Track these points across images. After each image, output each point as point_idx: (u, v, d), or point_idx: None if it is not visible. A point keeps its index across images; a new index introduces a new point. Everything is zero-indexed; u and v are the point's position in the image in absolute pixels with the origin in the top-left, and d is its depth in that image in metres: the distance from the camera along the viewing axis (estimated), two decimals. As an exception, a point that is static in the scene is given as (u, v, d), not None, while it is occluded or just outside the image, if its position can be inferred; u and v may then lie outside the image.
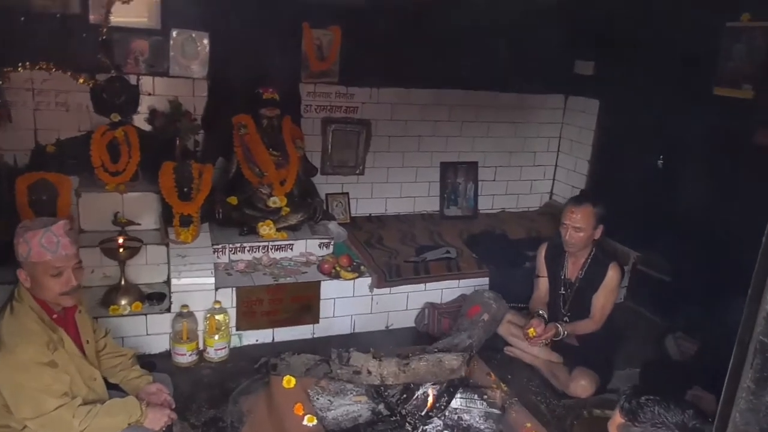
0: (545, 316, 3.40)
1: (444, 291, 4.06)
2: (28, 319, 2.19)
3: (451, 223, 4.90)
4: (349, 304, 3.85)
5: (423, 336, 3.90)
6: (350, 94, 4.61)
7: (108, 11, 3.81)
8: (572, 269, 3.50)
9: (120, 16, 3.89)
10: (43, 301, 2.24)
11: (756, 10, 3.58)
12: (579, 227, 3.32)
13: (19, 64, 3.71)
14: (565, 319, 3.45)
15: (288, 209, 4.07)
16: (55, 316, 2.28)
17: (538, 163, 5.33)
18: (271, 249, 3.96)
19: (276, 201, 4.05)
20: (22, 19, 3.67)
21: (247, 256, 3.91)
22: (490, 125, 5.07)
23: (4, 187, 3.62)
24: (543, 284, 3.60)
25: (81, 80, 3.87)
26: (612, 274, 3.37)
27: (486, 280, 4.11)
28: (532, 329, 3.31)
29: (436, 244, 4.44)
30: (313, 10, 4.33)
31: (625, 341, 3.74)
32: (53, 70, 3.80)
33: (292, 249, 4.01)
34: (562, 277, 3.52)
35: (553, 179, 5.41)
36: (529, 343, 3.39)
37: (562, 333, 3.33)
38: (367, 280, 3.87)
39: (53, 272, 2.19)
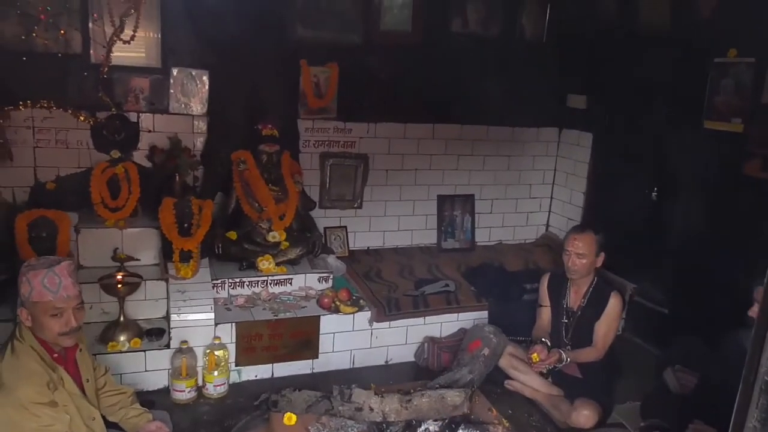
0: (548, 342, 3.43)
1: (443, 325, 4.06)
2: (29, 358, 2.19)
3: (448, 256, 4.91)
4: (349, 338, 3.85)
5: (423, 371, 3.88)
6: (348, 129, 4.67)
7: (109, 51, 3.88)
8: (574, 297, 3.53)
9: (121, 55, 3.95)
10: (43, 340, 2.24)
11: (742, 46, 3.68)
12: (581, 254, 3.38)
13: (20, 103, 3.77)
14: (568, 347, 3.47)
15: (287, 243, 4.09)
16: (55, 354, 2.28)
17: (533, 196, 5.38)
18: (271, 283, 3.96)
19: (275, 235, 4.07)
20: (24, 58, 3.73)
21: (246, 291, 3.91)
22: (485, 158, 5.13)
23: (3, 225, 3.62)
24: (545, 313, 3.63)
25: (81, 118, 3.92)
26: (614, 302, 3.42)
27: (485, 313, 4.12)
28: (535, 354, 3.33)
29: (435, 277, 4.46)
30: (310, 47, 4.42)
31: (625, 373, 3.74)
32: (54, 108, 3.86)
33: (291, 283, 4.01)
34: (565, 306, 3.56)
35: (549, 211, 5.45)
36: (532, 368, 3.40)
37: (564, 359, 3.34)
38: (366, 314, 3.87)
39: (53, 312, 2.20)
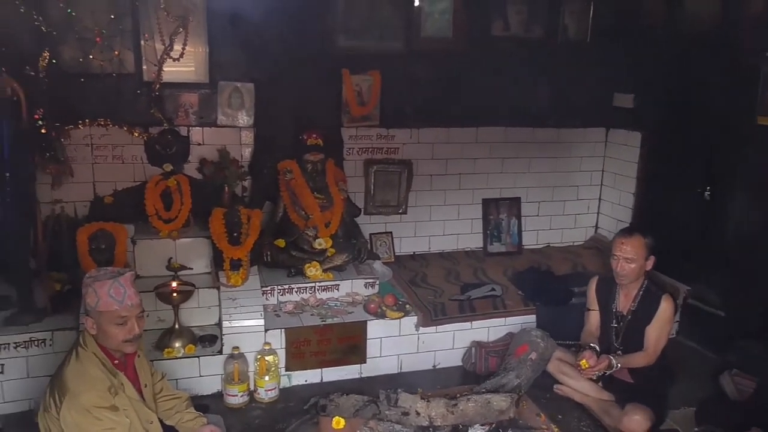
0: (597, 348, 3.37)
1: (490, 329, 4.05)
2: (92, 365, 2.31)
3: (495, 260, 4.89)
4: (396, 343, 3.88)
5: (470, 375, 3.88)
6: (391, 136, 4.72)
7: (160, 68, 4.05)
8: (624, 302, 3.46)
9: (171, 71, 4.11)
10: (105, 347, 2.36)
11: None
12: (630, 258, 3.31)
13: (79, 122, 3.96)
14: (618, 352, 3.40)
15: (333, 250, 4.16)
16: (116, 361, 2.39)
17: (581, 197, 5.30)
18: (318, 290, 4.03)
19: (321, 243, 4.15)
20: (82, 79, 3.92)
21: (295, 297, 3.99)
22: (531, 161, 5.09)
23: (65, 238, 3.82)
24: (594, 318, 3.57)
25: (136, 134, 4.10)
26: (665, 305, 3.33)
27: (533, 318, 4.08)
28: (584, 361, 3.28)
29: (481, 281, 4.44)
30: (352, 57, 4.49)
31: (679, 378, 3.64)
32: (110, 125, 4.04)
33: (338, 289, 4.08)
34: (614, 310, 3.49)
35: (598, 213, 5.36)
36: (582, 374, 3.35)
37: (614, 365, 3.28)
38: (412, 319, 3.89)
39: (119, 321, 2.31)
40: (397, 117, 4.68)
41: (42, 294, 3.54)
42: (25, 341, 3.31)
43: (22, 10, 3.64)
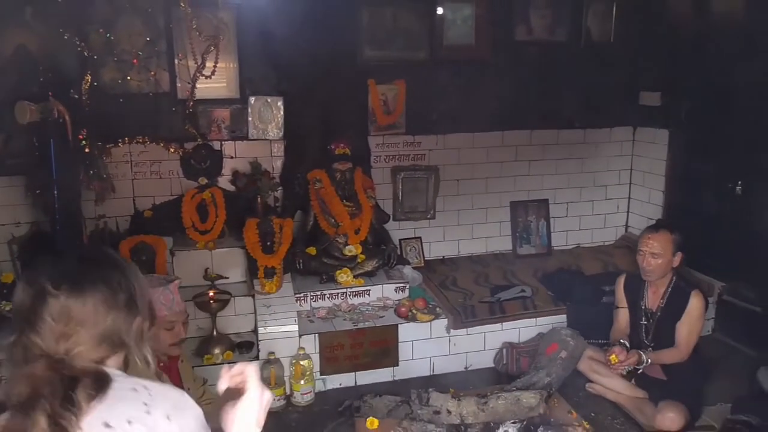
0: (627, 344, 3.37)
1: (521, 330, 4.07)
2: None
3: (524, 262, 4.92)
4: (427, 346, 3.93)
5: (503, 376, 3.91)
6: (417, 143, 4.80)
7: (193, 86, 4.21)
8: (653, 299, 3.46)
9: (203, 88, 4.27)
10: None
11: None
12: (656, 253, 3.31)
13: (119, 140, 4.15)
14: (649, 349, 3.40)
15: (363, 256, 4.25)
16: (161, 365, 2.52)
17: (610, 197, 5.29)
18: (350, 295, 4.13)
19: (351, 249, 4.25)
20: (121, 100, 4.11)
21: (327, 303, 4.09)
22: (557, 162, 5.10)
23: (109, 251, 4.00)
24: (623, 315, 3.57)
25: (172, 150, 4.27)
26: (695, 301, 3.31)
27: (563, 318, 4.09)
28: (614, 356, 3.28)
29: (511, 283, 4.47)
30: (377, 67, 4.59)
31: (715, 375, 3.61)
32: (148, 142, 4.22)
33: (369, 294, 4.17)
34: (643, 307, 3.49)
35: (627, 212, 5.33)
36: (612, 369, 3.35)
37: (644, 360, 3.28)
38: (443, 322, 3.95)
39: (167, 326, 2.43)
40: (423, 124, 4.75)
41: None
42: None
43: (66, 38, 3.84)
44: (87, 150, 3.78)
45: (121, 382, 1.22)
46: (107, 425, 1.15)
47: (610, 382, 3.51)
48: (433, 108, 4.76)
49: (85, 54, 3.92)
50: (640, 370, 3.39)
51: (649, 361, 3.28)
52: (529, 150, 5.03)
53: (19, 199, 3.96)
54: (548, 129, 5.02)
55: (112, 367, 1.27)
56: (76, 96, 3.82)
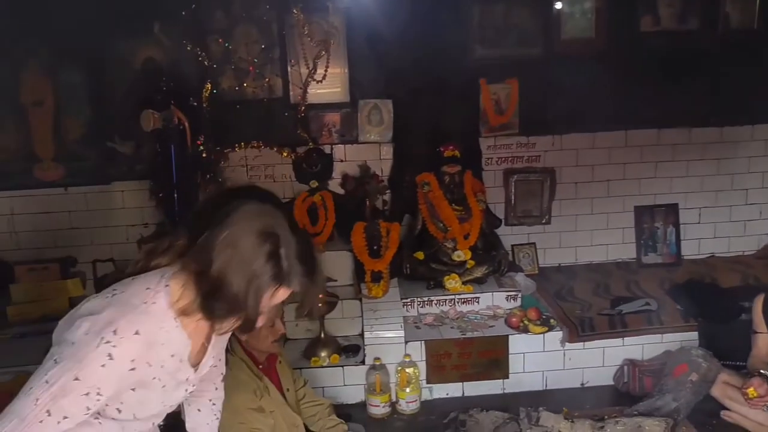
0: None
1: (645, 346, 3.74)
2: (239, 369, 2.49)
3: (650, 272, 4.53)
4: (540, 359, 3.73)
5: (623, 395, 3.61)
6: (531, 144, 4.58)
7: (305, 91, 4.30)
8: (800, 322, 3.04)
9: (314, 93, 4.35)
10: (250, 353, 2.53)
11: None
12: None
13: (236, 145, 4.31)
14: (797, 381, 2.98)
15: (473, 262, 4.11)
16: (260, 366, 2.56)
17: (751, 202, 4.75)
18: (458, 302, 4.00)
19: (460, 255, 4.12)
20: (237, 106, 4.29)
21: (434, 310, 3.99)
22: (689, 164, 4.66)
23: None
24: (763, 341, 3.17)
25: (284, 154, 4.37)
26: None
27: (694, 335, 3.71)
28: (752, 389, 2.92)
29: (634, 295, 4.13)
30: (489, 65, 4.45)
31: None
32: (262, 147, 4.35)
33: (478, 302, 4.01)
34: (788, 333, 3.07)
35: (772, 218, 4.77)
36: (749, 405, 2.98)
37: None
38: (558, 335, 3.72)
39: (269, 324, 2.48)
40: (538, 124, 4.53)
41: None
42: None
43: (188, 49, 4.08)
44: (204, 155, 3.96)
45: None
46: None
47: (748, 412, 3.10)
48: (549, 107, 4.52)
49: (206, 63, 4.12)
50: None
51: (796, 396, 2.87)
52: (656, 150, 4.63)
53: (146, 201, 4.24)
54: (678, 127, 4.60)
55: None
56: (195, 103, 4.02)
